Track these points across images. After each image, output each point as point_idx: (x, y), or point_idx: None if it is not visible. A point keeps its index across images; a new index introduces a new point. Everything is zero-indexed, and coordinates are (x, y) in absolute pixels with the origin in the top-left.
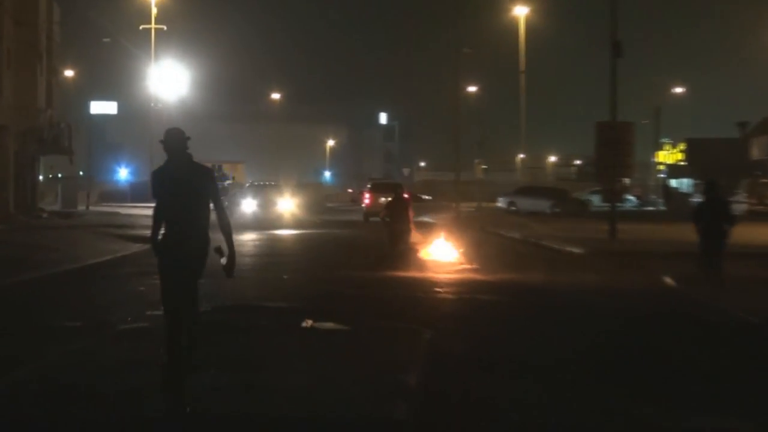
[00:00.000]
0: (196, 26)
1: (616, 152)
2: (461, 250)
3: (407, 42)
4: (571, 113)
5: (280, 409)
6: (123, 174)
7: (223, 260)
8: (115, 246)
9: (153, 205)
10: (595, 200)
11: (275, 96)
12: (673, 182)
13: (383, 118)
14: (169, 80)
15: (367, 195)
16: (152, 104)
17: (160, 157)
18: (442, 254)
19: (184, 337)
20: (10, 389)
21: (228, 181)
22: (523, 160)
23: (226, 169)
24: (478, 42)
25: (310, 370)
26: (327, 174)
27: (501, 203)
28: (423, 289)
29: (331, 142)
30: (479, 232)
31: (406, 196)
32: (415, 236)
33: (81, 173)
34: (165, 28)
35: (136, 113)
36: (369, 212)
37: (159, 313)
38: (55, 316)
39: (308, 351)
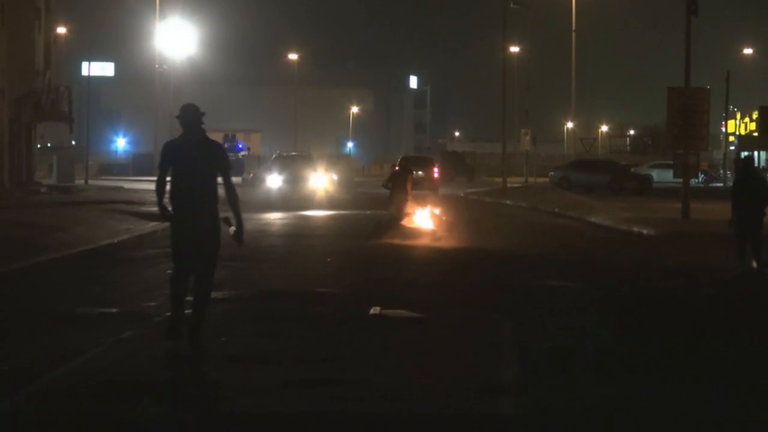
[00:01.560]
0: None
1: (689, 122)
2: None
3: None
4: (625, 77)
5: (375, 406)
6: (121, 144)
7: (232, 229)
8: (127, 225)
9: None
10: (656, 175)
11: (293, 57)
12: (745, 155)
13: (414, 82)
14: (175, 38)
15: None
16: (157, 66)
17: (165, 126)
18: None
19: (196, 310)
20: (73, 382)
21: (243, 153)
22: (571, 130)
23: (240, 138)
24: None
25: (394, 363)
26: (350, 145)
27: (552, 178)
28: (483, 271)
29: (355, 109)
30: (531, 211)
31: (435, 169)
32: (411, 206)
33: (73, 143)
34: None
35: (135, 76)
36: None
37: None
38: (85, 303)
39: (385, 342)
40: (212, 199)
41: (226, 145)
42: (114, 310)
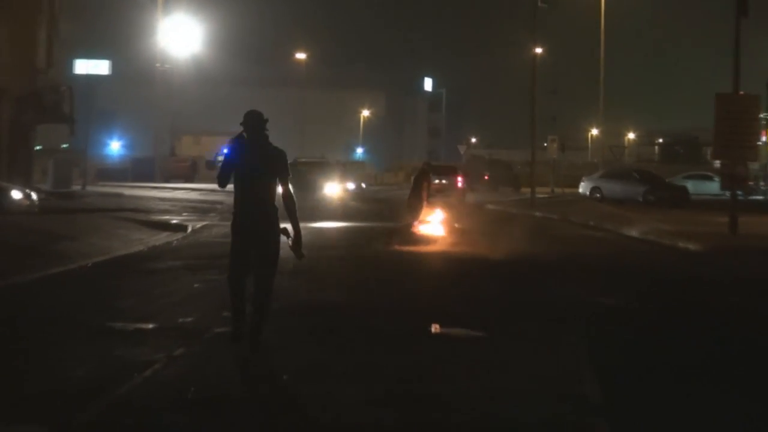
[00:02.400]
0: None
1: (738, 130)
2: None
3: None
4: (654, 81)
5: (468, 423)
6: (115, 147)
7: (290, 241)
8: (139, 234)
9: (164, 185)
10: (691, 186)
11: (301, 56)
12: None
13: (428, 84)
14: (178, 36)
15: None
16: (158, 65)
17: (166, 127)
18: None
19: (256, 313)
20: (145, 397)
21: None
22: (597, 136)
23: None
24: None
25: (473, 381)
26: (359, 150)
27: (583, 188)
28: (529, 286)
29: (366, 113)
30: (563, 224)
31: (459, 178)
32: (425, 212)
33: (65, 146)
34: None
35: (133, 75)
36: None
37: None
38: (117, 316)
39: (457, 359)
40: (272, 204)
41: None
42: (150, 326)
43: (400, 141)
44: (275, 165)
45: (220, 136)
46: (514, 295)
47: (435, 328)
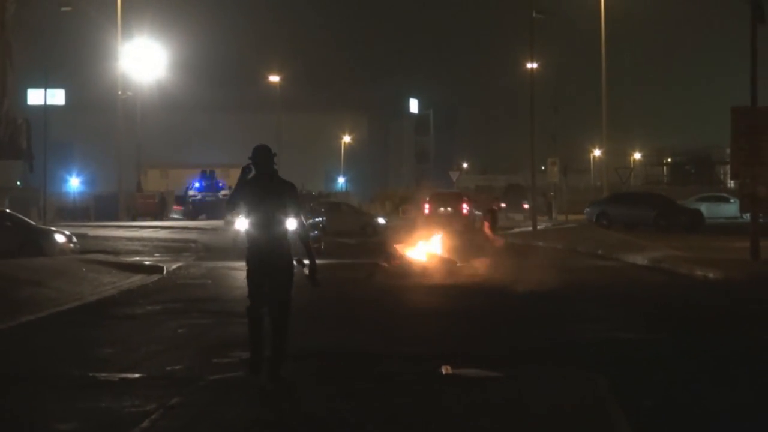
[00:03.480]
0: None
1: (757, 146)
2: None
3: (444, 8)
4: (662, 96)
5: None
6: (74, 183)
7: (306, 270)
8: (110, 278)
9: (131, 223)
10: (705, 209)
11: (274, 79)
12: None
13: (414, 105)
14: (141, 61)
15: (426, 206)
16: (119, 92)
17: (130, 161)
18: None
19: (276, 335)
20: None
21: (223, 192)
22: (599, 157)
23: (219, 175)
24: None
25: (496, 429)
26: (341, 180)
27: (589, 214)
28: (539, 321)
29: (347, 138)
30: (570, 254)
31: (465, 205)
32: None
33: (18, 183)
34: None
35: (91, 104)
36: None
37: (227, 361)
38: (98, 367)
39: (473, 404)
40: (284, 236)
41: (204, 184)
42: (136, 375)
43: (385, 167)
44: (285, 198)
45: (189, 169)
46: (525, 332)
47: (446, 369)
